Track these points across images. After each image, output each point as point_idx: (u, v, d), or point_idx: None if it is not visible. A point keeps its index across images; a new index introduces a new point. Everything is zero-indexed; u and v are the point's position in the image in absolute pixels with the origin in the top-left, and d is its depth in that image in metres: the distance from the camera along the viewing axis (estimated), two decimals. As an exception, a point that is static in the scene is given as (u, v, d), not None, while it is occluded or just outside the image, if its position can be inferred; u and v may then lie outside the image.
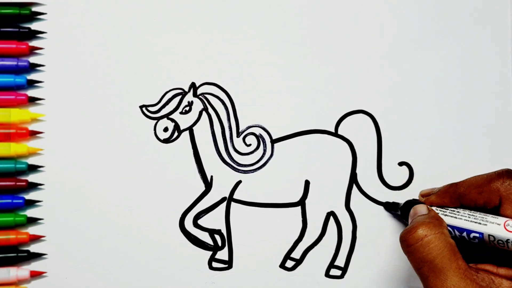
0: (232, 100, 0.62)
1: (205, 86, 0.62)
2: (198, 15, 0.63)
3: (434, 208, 0.57)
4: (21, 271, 0.59)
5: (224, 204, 0.62)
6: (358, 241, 0.62)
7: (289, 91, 0.63)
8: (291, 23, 0.63)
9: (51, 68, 0.61)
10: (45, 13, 0.61)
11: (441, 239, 0.50)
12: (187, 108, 0.62)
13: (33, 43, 0.61)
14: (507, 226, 0.51)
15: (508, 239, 0.50)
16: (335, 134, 0.63)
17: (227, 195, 0.62)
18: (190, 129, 0.62)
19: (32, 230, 0.60)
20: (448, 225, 0.54)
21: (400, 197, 0.62)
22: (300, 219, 0.62)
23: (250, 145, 0.62)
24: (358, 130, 0.62)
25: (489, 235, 0.52)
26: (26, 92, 0.61)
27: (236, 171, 0.62)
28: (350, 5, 0.64)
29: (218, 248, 0.61)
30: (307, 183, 0.62)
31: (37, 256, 0.60)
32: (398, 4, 0.64)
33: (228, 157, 0.62)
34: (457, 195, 0.56)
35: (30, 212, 0.60)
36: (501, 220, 0.52)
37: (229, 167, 0.62)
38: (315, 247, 0.62)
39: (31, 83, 0.61)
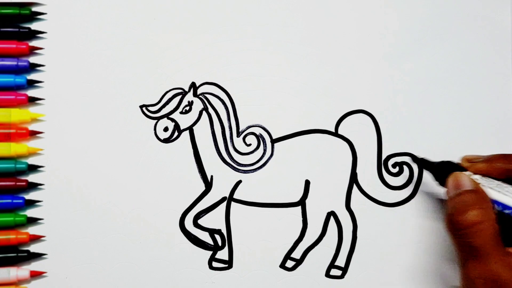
0: (232, 100, 0.62)
1: (205, 86, 0.62)
2: (198, 14, 0.63)
3: (478, 177, 0.54)
4: (21, 271, 0.59)
5: (224, 204, 0.61)
6: (359, 241, 0.62)
7: (289, 91, 0.63)
8: (291, 23, 0.63)
9: (51, 68, 0.61)
10: (45, 13, 0.61)
11: (492, 226, 0.50)
12: (187, 108, 0.62)
13: (33, 43, 0.61)
14: None
15: None
16: (335, 134, 0.63)
17: (227, 195, 0.61)
18: (190, 129, 0.62)
19: (32, 230, 0.60)
20: (495, 201, 0.53)
21: (401, 196, 0.62)
22: (300, 219, 0.62)
23: (250, 145, 0.62)
24: (358, 130, 0.62)
25: None
26: (26, 92, 0.61)
27: (236, 171, 0.62)
28: (350, 5, 0.64)
29: (218, 248, 0.61)
30: (307, 183, 0.62)
31: (37, 256, 0.60)
32: (398, 3, 0.64)
33: (228, 156, 0.62)
34: (510, 167, 0.54)
35: (30, 212, 0.60)
36: None
37: (229, 166, 0.62)
38: (316, 247, 0.62)
39: (31, 83, 0.61)
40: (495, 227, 0.50)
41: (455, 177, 0.54)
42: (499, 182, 0.54)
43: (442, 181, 0.57)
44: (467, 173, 0.55)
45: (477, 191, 0.52)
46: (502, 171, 0.54)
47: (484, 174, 0.55)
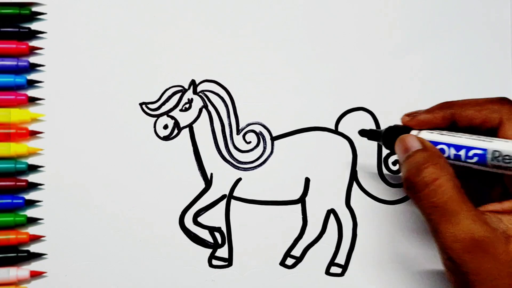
0: (232, 98, 0.62)
1: (205, 83, 0.62)
2: (198, 12, 0.63)
3: (425, 132, 0.52)
4: (21, 271, 0.59)
5: (224, 201, 0.61)
6: (359, 238, 0.62)
7: (289, 89, 0.63)
8: (291, 20, 0.64)
9: (51, 68, 0.61)
10: (45, 13, 0.62)
11: (450, 180, 0.47)
12: (187, 106, 0.62)
13: (33, 43, 0.61)
14: None
15: None
16: (335, 131, 0.63)
17: (227, 193, 0.61)
18: (190, 126, 0.62)
19: (32, 230, 0.60)
20: (444, 143, 0.51)
21: (401, 194, 0.62)
22: (300, 216, 0.62)
23: (250, 142, 0.62)
24: (359, 127, 0.62)
25: (494, 150, 0.47)
26: (26, 92, 0.61)
27: (236, 169, 0.62)
28: (350, 3, 0.64)
29: (218, 245, 0.61)
30: (307, 181, 0.62)
31: (37, 256, 0.60)
32: (399, 2, 0.64)
33: (228, 154, 0.62)
34: (452, 111, 0.52)
35: (30, 212, 0.60)
36: (509, 140, 0.48)
37: (229, 164, 0.62)
38: (316, 245, 0.62)
39: (31, 83, 0.61)
40: (454, 181, 0.47)
41: (401, 140, 0.52)
42: (446, 131, 0.52)
43: (393, 149, 0.54)
44: (414, 132, 0.53)
45: (427, 148, 0.50)
46: (444, 118, 0.52)
47: (430, 124, 0.53)
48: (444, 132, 0.52)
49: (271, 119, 0.62)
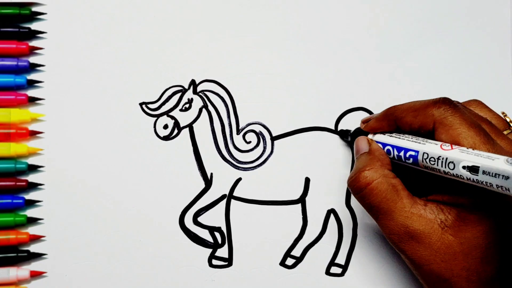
0: (232, 98, 0.62)
1: (205, 83, 0.62)
2: (198, 12, 0.63)
3: (379, 134, 0.57)
4: (21, 271, 0.59)
5: (224, 201, 0.61)
6: (359, 238, 0.62)
7: (289, 88, 0.63)
8: (291, 21, 0.64)
9: (51, 68, 0.61)
10: (45, 13, 0.61)
11: (383, 183, 0.53)
12: (187, 105, 0.62)
13: (33, 43, 0.61)
14: (443, 146, 0.51)
15: (440, 156, 0.51)
16: (335, 131, 0.63)
17: (227, 193, 0.61)
18: (190, 126, 0.62)
19: (32, 230, 0.60)
20: (390, 145, 0.56)
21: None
22: (300, 216, 0.62)
23: (250, 142, 0.62)
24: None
25: (424, 152, 0.52)
26: (26, 92, 0.61)
27: (236, 169, 0.62)
28: (351, 3, 0.64)
29: (218, 245, 0.61)
30: (307, 181, 0.62)
31: (37, 256, 0.60)
32: (398, 2, 0.64)
33: (228, 154, 0.62)
34: (394, 117, 0.56)
35: (30, 212, 0.60)
36: (439, 142, 0.52)
37: (229, 164, 0.62)
38: (316, 245, 0.62)
39: (31, 83, 0.61)
40: (389, 182, 0.53)
41: (356, 141, 0.59)
42: (399, 133, 0.56)
43: None
44: (370, 135, 0.58)
45: (370, 152, 0.56)
46: (389, 125, 0.57)
47: (379, 129, 0.58)
48: (393, 134, 0.57)
49: (271, 119, 0.62)
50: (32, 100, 0.61)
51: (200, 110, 0.62)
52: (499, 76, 0.65)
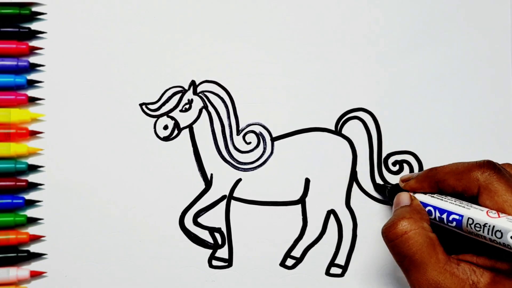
0: (232, 98, 0.62)
1: (205, 84, 0.62)
2: (198, 13, 0.63)
3: (420, 193, 0.57)
4: (21, 271, 0.59)
5: (224, 202, 0.61)
6: (359, 239, 0.62)
7: (289, 89, 0.63)
8: (291, 22, 0.63)
9: (51, 68, 0.61)
10: (45, 13, 0.61)
11: (421, 234, 0.52)
12: (187, 106, 0.62)
13: (33, 43, 0.61)
14: (489, 213, 0.50)
15: (486, 223, 0.50)
16: (335, 132, 0.63)
17: (227, 193, 0.61)
18: (190, 127, 0.62)
19: (32, 230, 0.60)
20: (431, 205, 0.55)
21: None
22: (300, 217, 0.62)
23: (250, 143, 0.62)
24: (358, 128, 0.63)
25: (468, 217, 0.51)
26: (26, 92, 0.61)
27: (236, 169, 0.62)
28: (350, 4, 0.64)
29: (218, 246, 0.61)
30: (307, 181, 0.62)
31: (37, 256, 0.60)
32: (398, 3, 0.64)
33: (228, 155, 0.62)
34: (436, 180, 0.55)
35: (30, 212, 0.60)
36: (484, 209, 0.51)
37: (229, 165, 0.62)
38: (316, 246, 0.62)
39: (31, 83, 0.61)
40: (427, 235, 0.52)
41: (397, 196, 0.57)
42: (441, 194, 0.56)
43: None
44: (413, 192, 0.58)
45: (411, 205, 0.55)
46: (430, 187, 0.56)
47: (419, 190, 0.57)
48: (435, 194, 0.56)
49: (271, 120, 0.62)
50: (32, 100, 0.61)
51: (200, 111, 0.62)
52: (499, 76, 0.64)
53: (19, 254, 0.59)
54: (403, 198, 0.56)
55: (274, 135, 0.62)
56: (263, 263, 0.61)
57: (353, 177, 0.62)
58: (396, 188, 0.59)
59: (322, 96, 0.63)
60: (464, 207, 0.52)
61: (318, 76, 0.63)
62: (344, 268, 0.62)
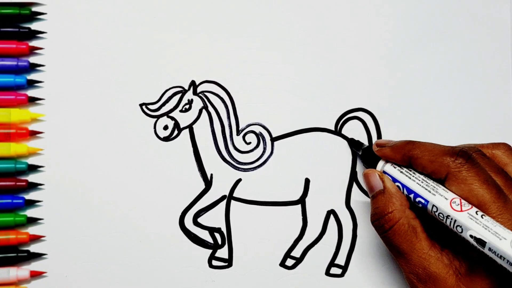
0: (232, 98, 0.62)
1: (205, 84, 0.62)
2: (198, 13, 0.63)
3: (390, 164, 0.57)
4: (21, 271, 0.59)
5: (224, 202, 0.61)
6: (359, 239, 0.62)
7: (289, 89, 0.63)
8: (291, 21, 0.63)
9: (51, 68, 0.61)
10: (45, 13, 0.61)
11: (405, 224, 0.54)
12: (187, 106, 0.62)
13: (33, 43, 0.61)
14: (452, 204, 0.51)
15: (449, 215, 0.51)
16: (335, 132, 0.63)
17: (227, 193, 0.62)
18: (190, 127, 0.62)
19: (32, 230, 0.60)
20: (401, 183, 0.56)
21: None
22: (300, 217, 0.62)
23: (250, 143, 0.62)
24: (358, 128, 0.63)
25: (433, 205, 0.52)
26: (26, 92, 0.61)
27: (236, 169, 0.62)
28: (350, 4, 0.64)
29: (218, 246, 0.61)
30: (307, 181, 0.62)
31: (37, 256, 0.60)
32: (398, 3, 0.64)
33: (228, 155, 0.62)
34: (410, 155, 0.55)
35: (30, 212, 0.60)
36: (449, 195, 0.52)
37: (229, 165, 0.62)
38: (315, 246, 0.62)
39: (31, 83, 0.61)
40: (409, 223, 0.54)
41: (365, 176, 0.58)
42: (409, 169, 0.56)
43: (367, 166, 0.60)
44: (381, 162, 0.58)
45: (386, 191, 0.56)
46: (402, 159, 0.56)
47: (391, 159, 0.57)
48: (403, 169, 0.56)
49: (271, 120, 0.62)
50: (32, 100, 0.61)
51: (200, 111, 0.62)
52: (499, 77, 0.64)
53: (19, 254, 0.59)
54: (374, 180, 0.57)
55: (274, 135, 0.62)
56: (263, 263, 0.61)
57: (353, 177, 0.62)
58: (369, 152, 0.59)
59: (322, 96, 0.63)
60: (430, 191, 0.53)
61: (318, 76, 0.63)
62: (344, 268, 0.62)
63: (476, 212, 0.50)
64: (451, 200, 0.51)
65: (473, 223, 0.49)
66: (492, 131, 0.64)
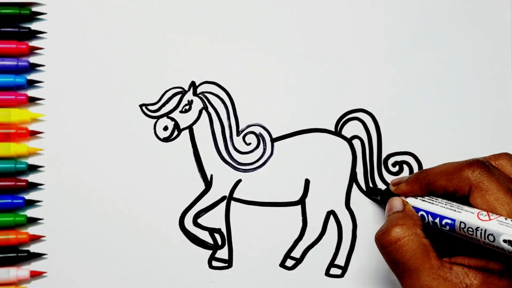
0: (232, 99, 0.62)
1: (205, 85, 0.62)
2: (198, 14, 0.63)
3: (411, 197, 0.57)
4: (21, 271, 0.59)
5: (224, 203, 0.61)
6: (358, 240, 0.62)
7: (289, 90, 0.63)
8: (291, 22, 0.63)
9: (51, 68, 0.61)
10: (45, 13, 0.61)
11: (414, 241, 0.52)
12: (187, 107, 0.62)
13: (33, 43, 0.61)
14: (480, 215, 0.50)
15: (478, 227, 0.50)
16: (335, 132, 0.63)
17: (227, 194, 0.62)
18: (190, 128, 0.62)
19: (32, 230, 0.60)
20: (424, 210, 0.55)
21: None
22: (300, 218, 0.62)
23: (250, 144, 0.62)
24: (358, 128, 0.62)
25: (460, 222, 0.51)
26: (26, 92, 0.61)
27: (236, 170, 0.62)
28: (350, 4, 0.64)
29: (218, 247, 0.61)
30: (307, 182, 0.62)
31: (37, 256, 0.60)
32: (398, 3, 0.64)
33: (228, 156, 0.62)
34: (427, 181, 0.55)
35: (30, 212, 0.60)
36: (475, 210, 0.51)
37: (229, 166, 0.62)
38: (315, 246, 0.62)
39: (31, 83, 0.61)
40: (420, 241, 0.52)
41: (389, 201, 0.57)
42: (432, 196, 0.56)
43: None
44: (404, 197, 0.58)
45: (403, 211, 0.56)
46: (421, 189, 0.56)
47: (410, 193, 0.57)
48: (425, 198, 0.56)
49: (271, 121, 0.62)
50: (32, 100, 0.61)
51: (200, 112, 0.62)
52: (499, 77, 0.64)
53: (19, 254, 0.59)
54: (396, 203, 0.57)
55: (274, 136, 0.62)
56: (263, 263, 0.61)
57: (353, 178, 0.62)
58: (388, 192, 0.59)
59: (322, 96, 0.63)
60: (455, 210, 0.52)
61: (318, 76, 0.63)
62: (344, 269, 0.62)
63: (505, 218, 0.49)
64: (478, 213, 0.51)
65: (505, 228, 0.48)
66: (492, 132, 0.64)
